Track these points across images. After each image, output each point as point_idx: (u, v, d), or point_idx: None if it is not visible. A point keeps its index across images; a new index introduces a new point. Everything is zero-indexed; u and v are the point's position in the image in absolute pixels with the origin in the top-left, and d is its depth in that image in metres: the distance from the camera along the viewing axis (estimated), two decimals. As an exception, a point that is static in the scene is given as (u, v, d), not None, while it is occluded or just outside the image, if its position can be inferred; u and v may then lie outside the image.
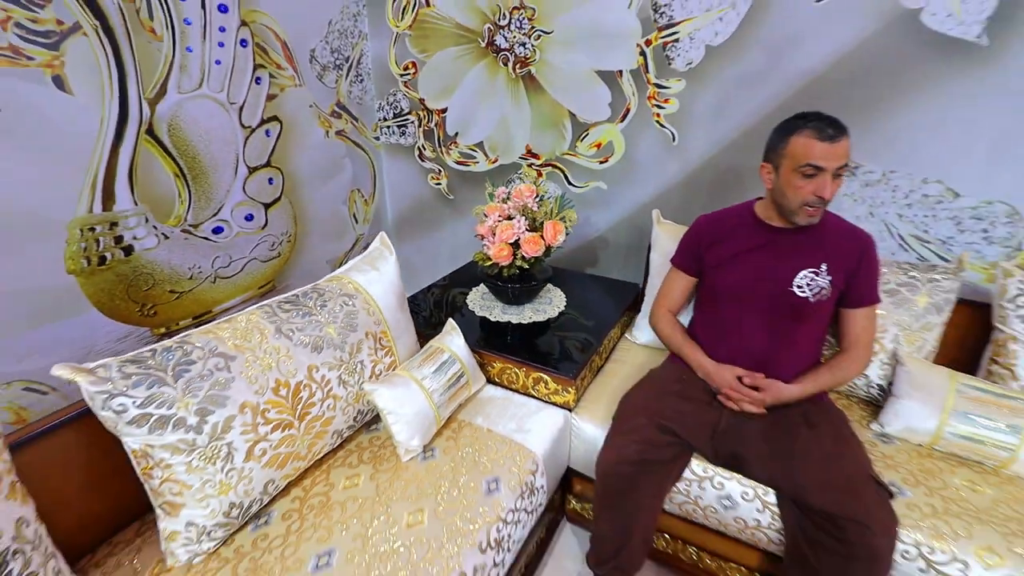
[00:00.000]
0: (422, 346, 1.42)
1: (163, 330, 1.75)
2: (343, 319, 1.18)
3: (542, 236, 1.59)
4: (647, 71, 1.81)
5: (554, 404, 1.42)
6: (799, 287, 1.21)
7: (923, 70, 1.46)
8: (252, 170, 1.92)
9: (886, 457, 1.23)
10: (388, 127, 2.48)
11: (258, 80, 1.87)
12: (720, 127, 1.77)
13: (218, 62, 1.72)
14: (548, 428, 1.33)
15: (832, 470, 1.06)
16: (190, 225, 1.75)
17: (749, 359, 1.25)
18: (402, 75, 2.33)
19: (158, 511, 0.93)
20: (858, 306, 1.23)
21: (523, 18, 1.96)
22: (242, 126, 1.85)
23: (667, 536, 1.38)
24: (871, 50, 1.49)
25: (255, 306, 1.11)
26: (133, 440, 0.87)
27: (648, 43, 1.78)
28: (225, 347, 0.97)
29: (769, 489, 1.15)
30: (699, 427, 1.21)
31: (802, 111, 1.17)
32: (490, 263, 1.66)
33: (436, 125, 2.35)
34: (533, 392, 1.45)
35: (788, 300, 1.22)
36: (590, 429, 1.37)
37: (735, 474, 1.19)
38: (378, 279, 1.31)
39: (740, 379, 1.22)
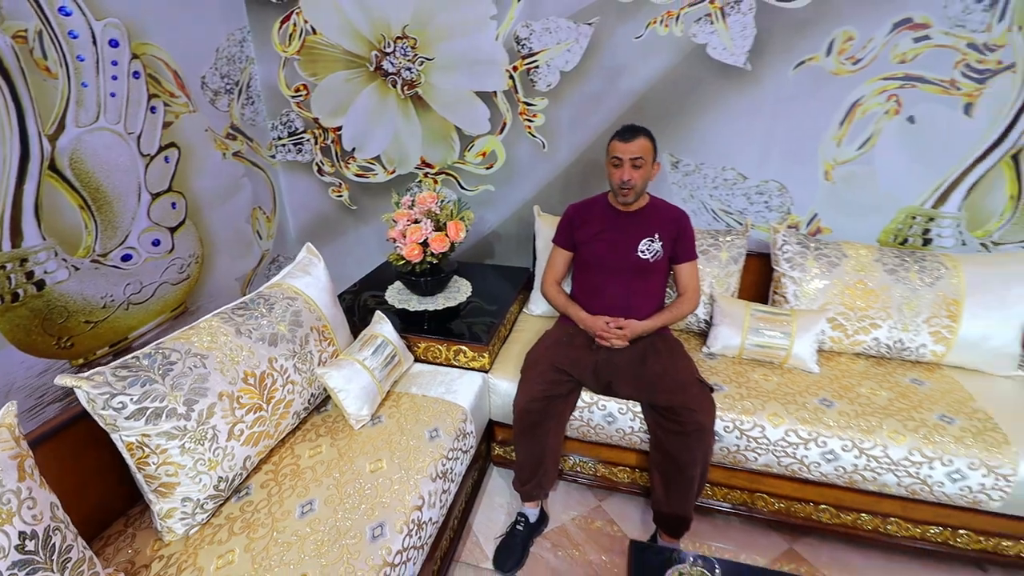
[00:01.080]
0: (355, 337, 1.66)
1: (81, 361, 1.77)
2: (290, 317, 1.39)
3: (447, 235, 1.90)
4: (516, 91, 2.19)
5: (473, 369, 1.74)
6: (641, 252, 1.66)
7: (713, 88, 1.99)
8: (155, 196, 1.98)
9: (712, 368, 1.72)
10: (284, 145, 2.60)
11: (153, 109, 1.94)
12: (578, 135, 2.20)
13: (113, 95, 1.78)
14: (471, 388, 1.64)
15: (670, 378, 1.51)
16: (99, 255, 1.79)
17: (616, 309, 1.68)
18: (294, 96, 2.48)
19: (151, 497, 1.09)
20: (682, 262, 1.70)
21: (407, 46, 2.23)
22: (141, 154, 1.90)
23: (570, 457, 1.77)
24: (677, 74, 2.00)
25: (211, 315, 1.28)
26: (129, 433, 1.03)
27: (515, 68, 2.15)
28: (198, 348, 1.15)
29: (635, 402, 1.58)
30: (584, 366, 1.61)
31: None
32: (403, 262, 1.93)
33: (332, 142, 2.53)
34: (455, 362, 1.76)
35: (635, 262, 1.66)
36: (504, 385, 1.71)
37: (612, 397, 1.60)
38: (313, 283, 1.53)
39: (608, 324, 1.63)
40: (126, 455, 1.05)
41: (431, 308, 1.97)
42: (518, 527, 1.61)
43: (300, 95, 2.47)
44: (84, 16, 1.65)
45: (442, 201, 1.96)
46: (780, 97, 1.94)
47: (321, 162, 2.60)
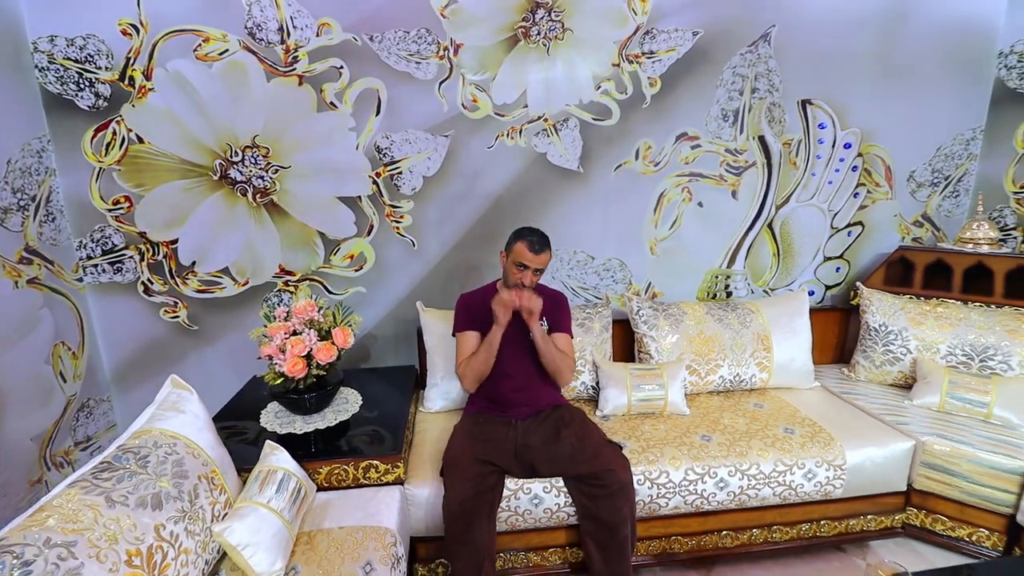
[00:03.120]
0: (241, 478, 1.41)
1: None
2: (172, 469, 1.13)
3: (333, 343, 1.78)
4: (381, 195, 2.26)
5: (387, 484, 1.60)
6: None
7: (556, 187, 2.34)
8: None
9: (610, 428, 1.88)
10: (95, 266, 2.19)
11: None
12: (446, 232, 2.33)
13: None
14: (391, 504, 1.50)
15: (584, 447, 1.61)
16: None
17: (520, 382, 1.77)
18: (111, 209, 2.15)
19: None
20: (557, 332, 1.86)
21: (258, 155, 2.16)
22: None
23: (500, 556, 1.70)
24: (527, 176, 2.31)
25: (64, 485, 0.98)
26: None
27: (378, 175, 2.23)
28: (59, 536, 0.86)
29: (557, 478, 1.63)
30: (506, 452, 1.61)
31: (528, 226, 1.76)
32: (282, 380, 1.74)
33: (166, 257, 2.22)
34: (365, 480, 1.59)
35: (530, 343, 1.77)
36: (424, 493, 1.61)
37: (535, 479, 1.63)
38: (191, 421, 1.28)
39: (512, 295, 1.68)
40: None
41: (321, 427, 1.78)
42: (464, 646, 1.46)
43: (120, 208, 2.15)
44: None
45: (323, 308, 1.85)
46: (608, 192, 2.37)
47: (149, 280, 2.24)
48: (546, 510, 1.63)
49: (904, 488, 1.84)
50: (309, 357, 1.74)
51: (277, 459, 1.42)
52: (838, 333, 2.55)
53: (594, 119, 2.29)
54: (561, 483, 1.62)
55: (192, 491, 1.15)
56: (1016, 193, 2.48)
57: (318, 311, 1.82)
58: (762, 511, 1.77)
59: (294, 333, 1.76)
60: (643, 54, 2.24)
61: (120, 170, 2.11)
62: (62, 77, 2.01)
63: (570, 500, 1.62)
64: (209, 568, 1.18)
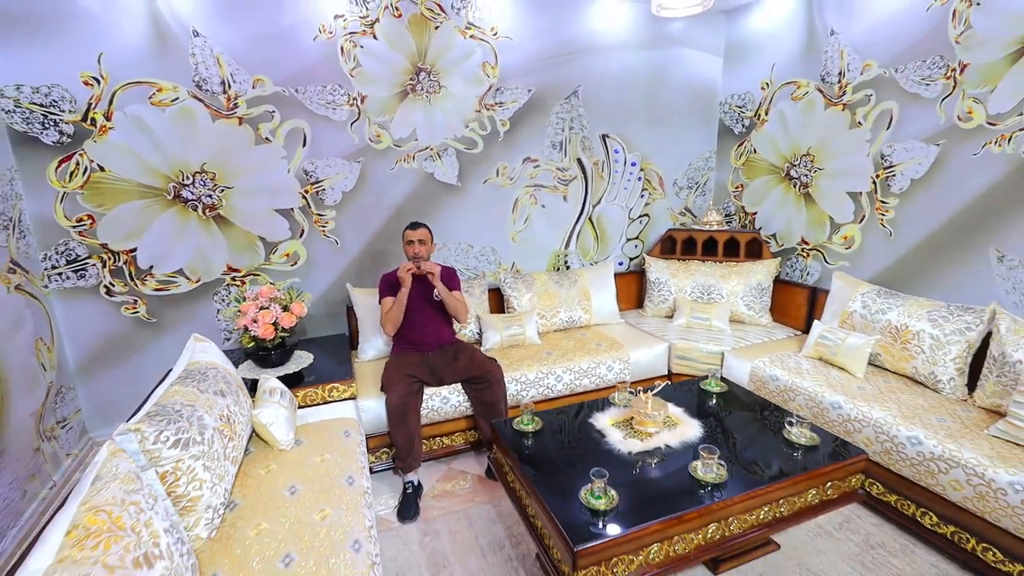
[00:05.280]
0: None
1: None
2: (222, 380, 1.84)
3: (292, 313, 2.51)
4: (310, 206, 2.98)
5: (346, 399, 2.39)
6: (435, 295, 2.67)
7: (442, 197, 3.25)
8: (-41, 335, 1.94)
9: (489, 354, 2.83)
10: (60, 274, 2.63)
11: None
12: (362, 232, 3.12)
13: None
14: (350, 408, 2.30)
15: (472, 361, 2.55)
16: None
17: (429, 333, 2.64)
18: (75, 226, 2.60)
19: (174, 517, 1.46)
20: (453, 291, 2.78)
21: (206, 179, 2.76)
22: (-55, 295, 1.89)
23: (425, 440, 2.57)
24: (421, 190, 3.19)
25: (167, 385, 1.66)
26: (167, 463, 1.42)
27: (307, 191, 2.96)
28: (185, 401, 1.58)
29: (457, 384, 2.54)
30: (423, 370, 2.49)
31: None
32: (254, 343, 2.43)
33: (126, 263, 2.72)
34: (329, 398, 2.37)
35: (432, 302, 2.66)
36: (369, 403, 2.42)
37: (443, 386, 2.53)
38: (218, 357, 1.97)
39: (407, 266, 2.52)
40: (158, 486, 1.43)
41: (285, 373, 2.50)
42: (408, 490, 2.31)
43: (83, 224, 2.62)
44: None
45: (281, 289, 2.56)
46: (479, 199, 3.34)
47: (111, 283, 2.72)
48: (452, 406, 2.54)
49: (666, 372, 3.06)
50: (275, 324, 2.45)
51: (272, 383, 2.15)
52: (638, 289, 3.80)
53: (465, 148, 3.24)
54: (460, 388, 2.54)
55: (235, 392, 1.87)
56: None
57: (281, 290, 2.53)
58: (584, 396, 2.86)
59: (263, 308, 2.46)
60: (496, 104, 3.24)
61: (83, 193, 2.58)
62: (27, 118, 2.45)
63: (466, 398, 2.54)
64: (247, 440, 1.91)
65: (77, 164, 2.55)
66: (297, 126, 2.87)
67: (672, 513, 1.50)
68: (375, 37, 2.90)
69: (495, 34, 3.14)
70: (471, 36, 3.09)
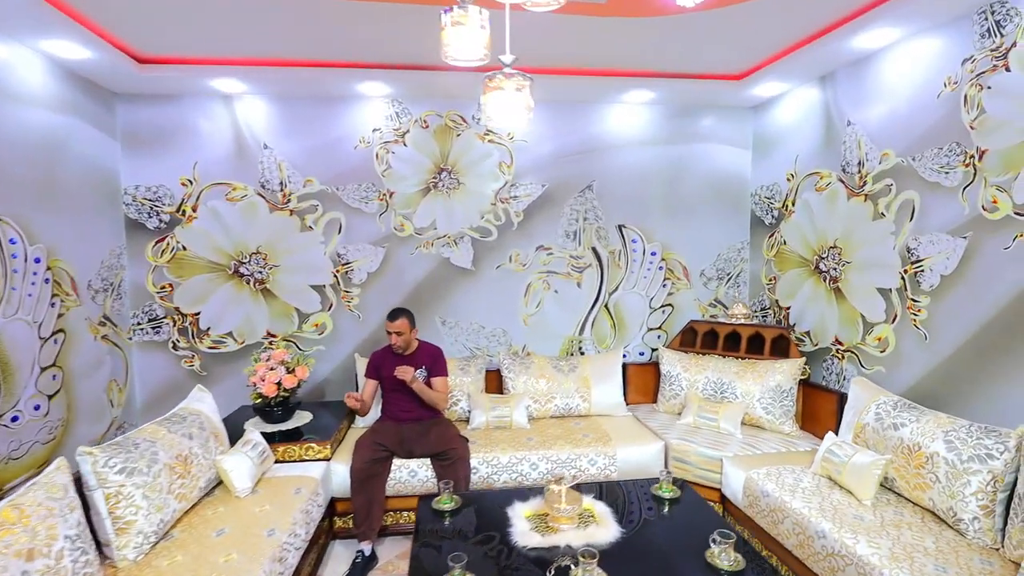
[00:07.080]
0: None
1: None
2: (196, 425, 2.15)
3: (295, 375, 2.84)
4: (339, 284, 3.42)
5: (320, 460, 2.58)
6: (415, 377, 2.84)
7: (457, 279, 3.52)
8: (43, 369, 2.52)
9: (472, 435, 2.87)
10: (142, 329, 3.28)
11: (53, 304, 2.60)
12: (383, 308, 3.44)
13: (30, 295, 2.45)
14: (318, 470, 2.48)
15: (442, 437, 2.62)
16: (-5, 415, 2.25)
17: (410, 411, 2.78)
18: (159, 292, 3.28)
19: (111, 536, 1.71)
20: (436, 376, 2.91)
21: (260, 258, 3.34)
22: (40, 338, 2.51)
23: (391, 512, 2.63)
24: (437, 272, 3.49)
25: (150, 424, 2.00)
26: (112, 486, 1.70)
27: (338, 271, 3.41)
28: (148, 437, 1.89)
29: (426, 459, 2.61)
30: (394, 440, 2.62)
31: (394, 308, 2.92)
32: (261, 399, 2.77)
33: (190, 324, 3.32)
34: (306, 457, 2.58)
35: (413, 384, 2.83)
36: (341, 467, 2.58)
37: (412, 459, 2.61)
38: (207, 406, 2.31)
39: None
40: (102, 505, 1.70)
41: (284, 428, 2.79)
42: (357, 560, 2.36)
43: (164, 291, 3.29)
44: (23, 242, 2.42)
45: (291, 355, 2.93)
46: (492, 283, 3.55)
47: (177, 340, 3.32)
48: (420, 480, 2.60)
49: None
50: (279, 385, 2.79)
51: (252, 434, 2.43)
52: (655, 381, 3.61)
53: (480, 236, 3.52)
54: (429, 463, 2.61)
55: (205, 438, 2.16)
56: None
57: (290, 356, 2.90)
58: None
59: (271, 369, 2.82)
60: (511, 197, 3.53)
61: (168, 267, 3.28)
62: (139, 210, 3.24)
63: (433, 472, 2.59)
64: (208, 486, 2.16)
65: (168, 244, 3.27)
66: (335, 217, 3.39)
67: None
68: (405, 144, 3.41)
69: (511, 138, 3.50)
70: (489, 141, 3.48)
